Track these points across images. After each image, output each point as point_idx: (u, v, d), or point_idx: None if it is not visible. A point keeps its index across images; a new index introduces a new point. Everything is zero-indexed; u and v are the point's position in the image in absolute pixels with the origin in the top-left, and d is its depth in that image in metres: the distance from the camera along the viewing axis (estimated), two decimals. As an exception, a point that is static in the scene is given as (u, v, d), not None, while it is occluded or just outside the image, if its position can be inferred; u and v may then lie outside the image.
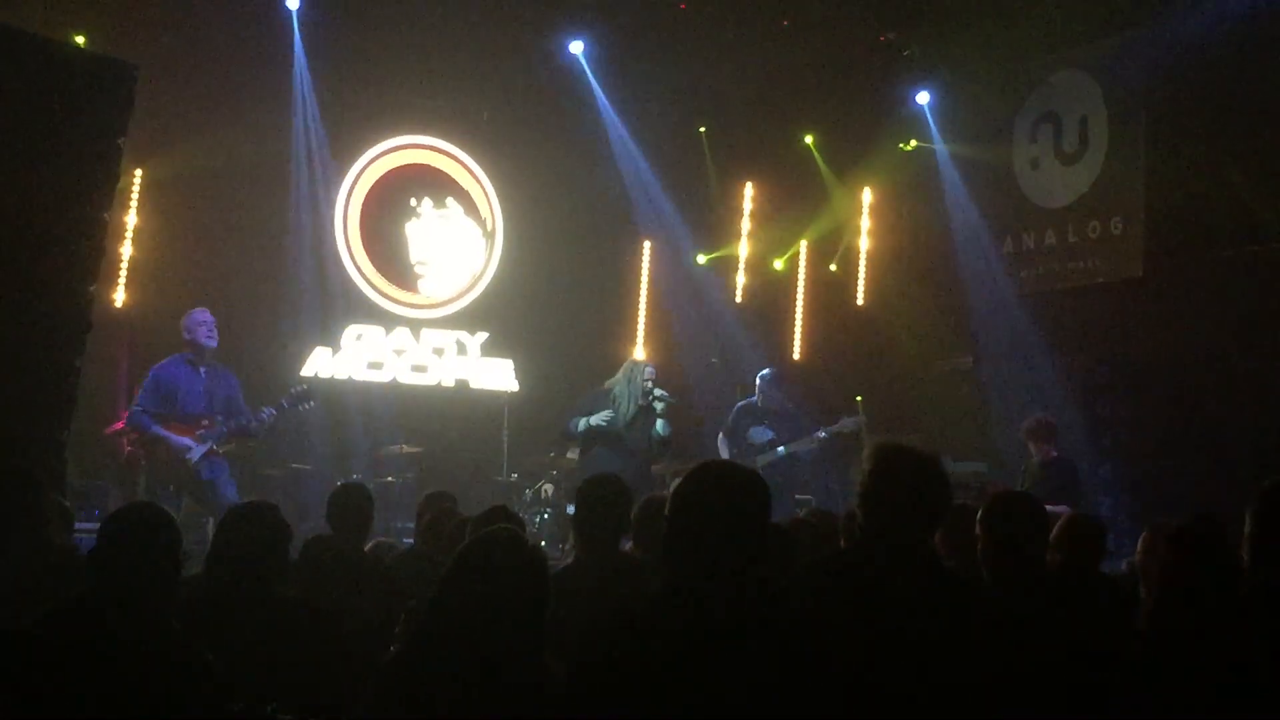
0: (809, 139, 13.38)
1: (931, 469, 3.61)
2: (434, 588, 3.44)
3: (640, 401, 9.35)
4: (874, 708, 3.07)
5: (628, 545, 5.33)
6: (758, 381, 10.60)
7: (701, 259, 13.64)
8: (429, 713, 3.22)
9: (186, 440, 8.88)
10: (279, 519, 4.52)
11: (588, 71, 12.40)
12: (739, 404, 10.70)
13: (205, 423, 8.99)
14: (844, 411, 10.57)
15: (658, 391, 9.37)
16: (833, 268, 13.78)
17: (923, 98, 12.77)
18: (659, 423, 9.33)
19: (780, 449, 10.24)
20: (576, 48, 12.28)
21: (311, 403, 9.60)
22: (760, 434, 10.37)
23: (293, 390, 9.53)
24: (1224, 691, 3.34)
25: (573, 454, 10.14)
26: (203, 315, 9.16)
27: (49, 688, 3.31)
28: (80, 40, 10.00)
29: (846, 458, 11.03)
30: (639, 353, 12.81)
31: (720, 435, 10.55)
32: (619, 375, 9.60)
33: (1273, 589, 3.29)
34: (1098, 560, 5.32)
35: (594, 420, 9.26)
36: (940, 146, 12.73)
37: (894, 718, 3.19)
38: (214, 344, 9.13)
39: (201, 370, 9.04)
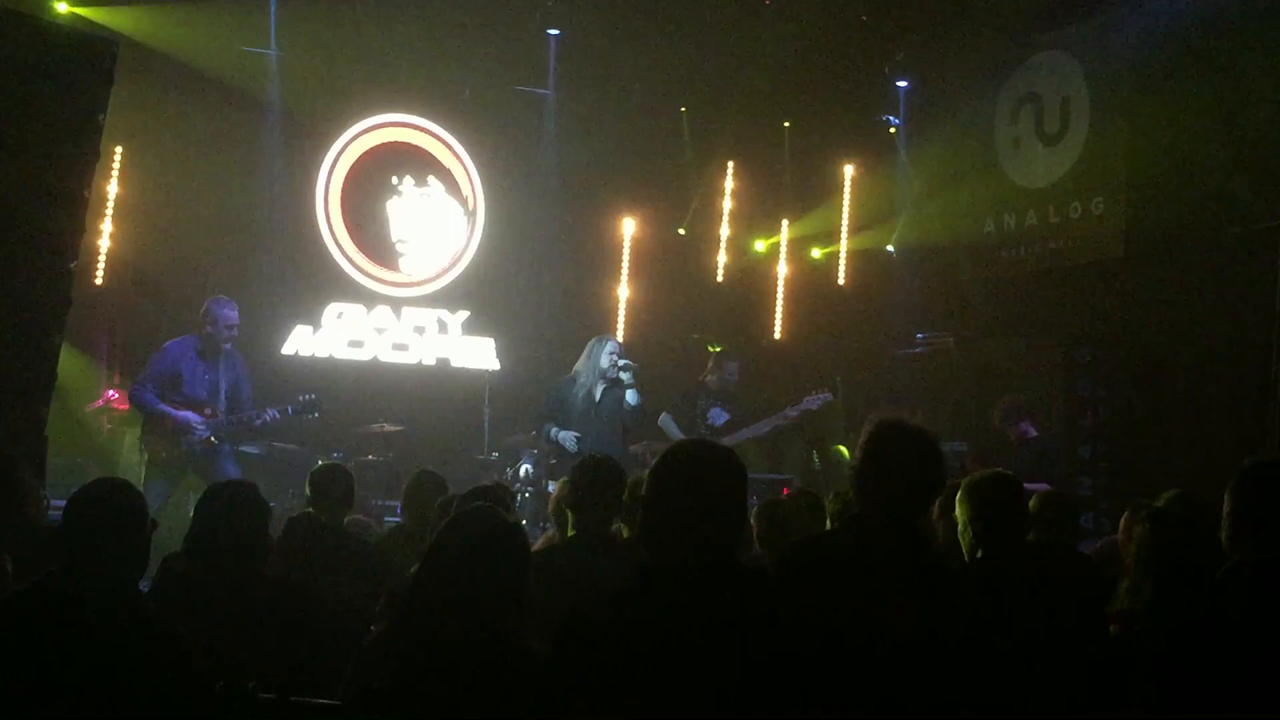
0: (786, 125, 13.37)
1: (926, 447, 3.60)
2: (416, 566, 3.45)
3: (610, 375, 9.38)
4: (855, 690, 3.08)
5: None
6: (719, 361, 10.55)
7: (681, 231, 13.61)
8: (410, 691, 3.22)
9: (192, 415, 8.90)
10: (257, 497, 4.54)
11: (550, 61, 12.40)
12: (692, 385, 10.64)
13: (208, 411, 9.00)
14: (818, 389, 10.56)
15: (621, 363, 9.39)
16: (816, 254, 13.76)
17: (901, 82, 12.79)
18: (629, 393, 9.33)
19: (744, 430, 10.20)
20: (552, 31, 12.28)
21: (317, 414, 9.64)
22: (718, 415, 10.33)
23: (301, 399, 9.54)
24: (1201, 668, 3.36)
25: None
26: (231, 315, 9.14)
27: (21, 665, 3.31)
28: (63, 7, 9.94)
29: (826, 435, 11.03)
30: (619, 333, 12.76)
31: (664, 415, 10.38)
32: (582, 356, 9.63)
33: (1251, 567, 3.31)
34: (1073, 537, 5.36)
35: (562, 438, 9.28)
36: (914, 129, 12.76)
37: (874, 698, 3.20)
38: (230, 348, 9.17)
39: (209, 359, 9.07)
